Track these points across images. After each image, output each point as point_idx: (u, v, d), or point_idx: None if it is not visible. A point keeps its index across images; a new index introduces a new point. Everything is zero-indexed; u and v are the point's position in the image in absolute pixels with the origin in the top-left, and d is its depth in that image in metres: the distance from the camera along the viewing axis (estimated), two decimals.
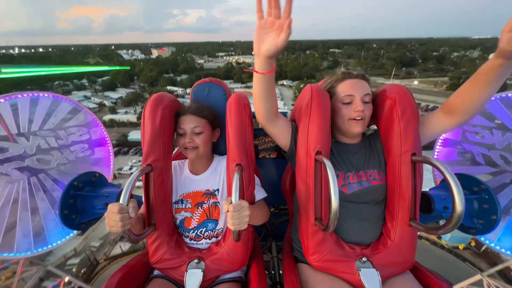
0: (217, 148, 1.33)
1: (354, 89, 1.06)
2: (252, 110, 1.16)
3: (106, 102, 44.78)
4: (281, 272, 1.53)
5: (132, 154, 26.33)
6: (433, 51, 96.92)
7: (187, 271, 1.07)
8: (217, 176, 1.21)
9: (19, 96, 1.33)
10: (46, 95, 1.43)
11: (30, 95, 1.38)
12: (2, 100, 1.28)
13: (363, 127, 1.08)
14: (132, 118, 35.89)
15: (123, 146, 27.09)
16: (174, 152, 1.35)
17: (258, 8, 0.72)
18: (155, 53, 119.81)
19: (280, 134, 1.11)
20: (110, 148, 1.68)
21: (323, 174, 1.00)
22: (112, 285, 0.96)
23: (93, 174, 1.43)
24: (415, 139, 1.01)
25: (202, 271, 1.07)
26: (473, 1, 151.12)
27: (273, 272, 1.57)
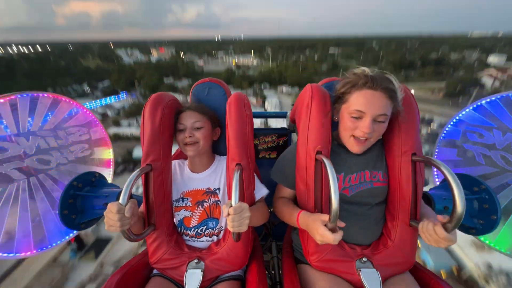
0: (218, 148, 1.33)
1: (368, 105, 0.91)
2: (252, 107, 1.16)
3: (109, 113, 43.95)
4: (281, 272, 1.53)
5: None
6: (433, 50, 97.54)
7: (186, 271, 1.07)
8: (218, 175, 1.21)
9: (19, 96, 1.33)
10: (46, 95, 1.43)
11: (30, 95, 1.37)
12: (2, 100, 1.27)
13: (366, 147, 1.02)
14: (136, 132, 35.47)
15: (128, 163, 26.46)
16: (174, 152, 1.34)
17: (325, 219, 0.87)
18: (154, 53, 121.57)
19: None
20: (110, 148, 1.68)
21: (323, 174, 1.00)
22: (112, 285, 0.96)
23: (93, 174, 1.43)
24: (416, 139, 1.01)
25: (202, 271, 1.06)
26: None
27: (273, 272, 1.57)
